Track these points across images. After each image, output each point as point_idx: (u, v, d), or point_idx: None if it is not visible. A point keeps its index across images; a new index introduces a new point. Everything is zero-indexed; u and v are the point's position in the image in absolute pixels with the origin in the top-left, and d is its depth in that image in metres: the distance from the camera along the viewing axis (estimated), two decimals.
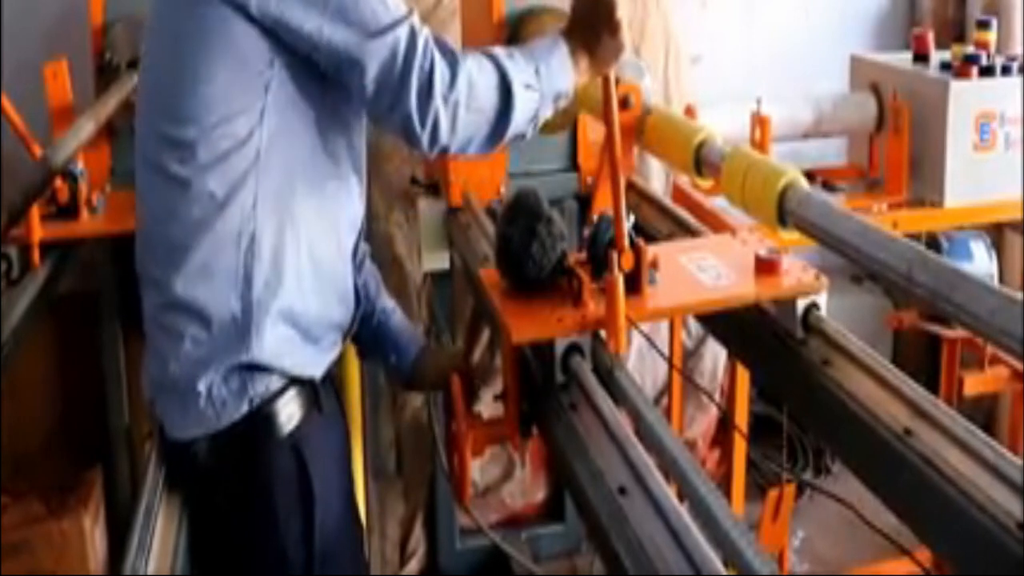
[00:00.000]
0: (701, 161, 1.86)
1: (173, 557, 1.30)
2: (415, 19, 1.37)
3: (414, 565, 3.06)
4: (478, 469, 3.07)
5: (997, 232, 3.01)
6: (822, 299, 1.48)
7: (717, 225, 2.12)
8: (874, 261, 1.35)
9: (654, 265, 1.47)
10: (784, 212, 1.54)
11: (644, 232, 1.85)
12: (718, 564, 0.98)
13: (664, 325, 2.86)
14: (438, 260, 2.48)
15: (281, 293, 1.40)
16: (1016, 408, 3.02)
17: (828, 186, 2.78)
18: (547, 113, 1.45)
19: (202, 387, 1.38)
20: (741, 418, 2.51)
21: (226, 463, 1.41)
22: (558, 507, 3.17)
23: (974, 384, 2.87)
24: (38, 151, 2.28)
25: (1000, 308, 1.12)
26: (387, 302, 1.74)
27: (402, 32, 1.34)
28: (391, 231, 2.91)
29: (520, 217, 1.50)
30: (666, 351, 2.78)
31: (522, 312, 1.45)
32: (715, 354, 3.30)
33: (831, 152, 3.07)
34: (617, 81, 1.52)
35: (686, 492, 1.11)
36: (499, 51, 1.42)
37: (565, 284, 1.48)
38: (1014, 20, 3.32)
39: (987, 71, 2.60)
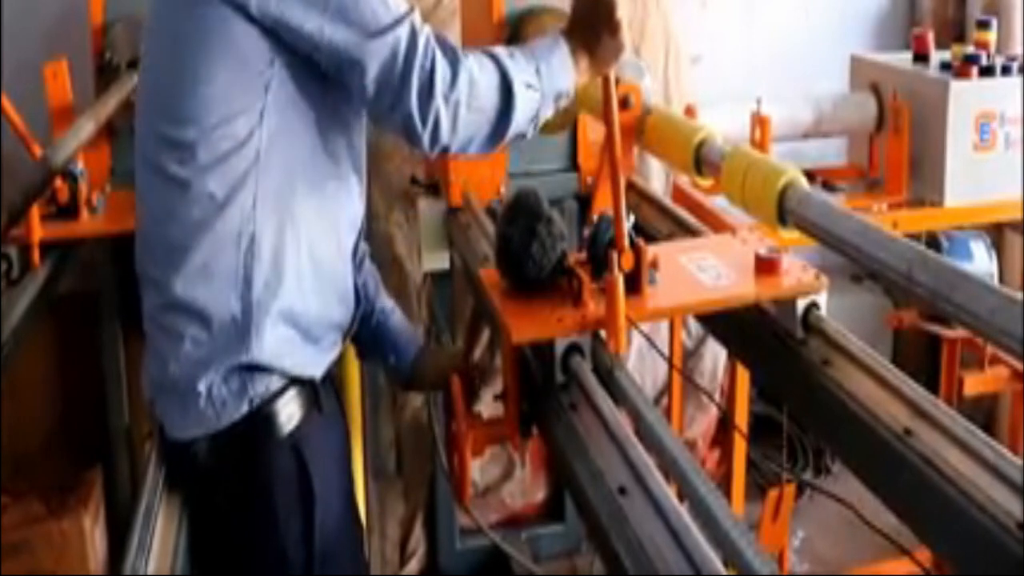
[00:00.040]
0: (701, 161, 1.85)
1: (173, 557, 1.30)
2: (416, 18, 1.36)
3: (414, 565, 3.06)
4: (478, 469, 3.07)
5: (997, 232, 3.01)
6: (822, 299, 1.48)
7: (717, 225, 2.12)
8: (874, 260, 1.35)
9: (654, 265, 1.47)
10: (784, 211, 1.54)
11: (644, 232, 1.85)
12: (718, 564, 0.98)
13: (664, 325, 2.86)
14: (438, 260, 2.48)
15: (281, 293, 1.40)
16: (1016, 408, 3.02)
17: (828, 186, 2.78)
18: (548, 113, 1.45)
19: (202, 387, 1.38)
20: (741, 418, 2.51)
21: (226, 463, 1.41)
22: (558, 507, 3.17)
23: (974, 384, 2.87)
24: (38, 151, 2.28)
25: (1000, 308, 1.12)
26: (386, 302, 1.74)
27: (403, 31, 1.33)
28: (391, 231, 2.91)
29: (520, 217, 1.50)
30: (666, 351, 2.78)
31: (522, 312, 1.45)
32: (715, 354, 3.30)
33: (831, 152, 3.07)
34: (617, 81, 1.52)
35: (686, 492, 1.11)
36: (500, 50, 1.42)
37: (565, 284, 1.48)
38: (1014, 20, 3.32)
39: (987, 71, 2.60)
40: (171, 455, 1.44)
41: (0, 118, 2.33)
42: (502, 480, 3.15)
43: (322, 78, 1.38)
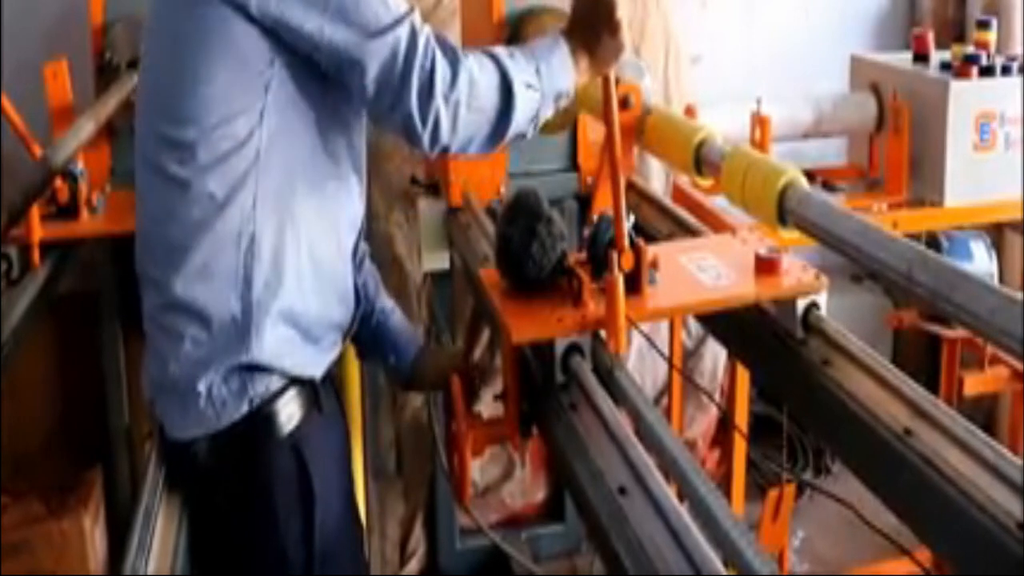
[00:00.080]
0: (701, 160, 1.85)
1: (173, 557, 1.30)
2: (416, 17, 1.36)
3: (414, 565, 3.06)
4: (478, 469, 3.07)
5: (997, 232, 3.01)
6: (822, 299, 1.48)
7: (717, 225, 2.12)
8: (874, 260, 1.35)
9: (654, 265, 1.47)
10: (784, 211, 1.54)
11: (644, 232, 1.85)
12: (718, 564, 0.98)
13: (664, 325, 2.86)
14: (438, 260, 2.48)
15: (281, 293, 1.40)
16: (1016, 408, 3.02)
17: (828, 186, 2.78)
18: (548, 113, 1.45)
19: (202, 387, 1.38)
20: (741, 418, 2.51)
21: (226, 463, 1.41)
22: (558, 507, 3.17)
23: (974, 384, 2.87)
24: (38, 151, 2.28)
25: (1000, 308, 1.12)
26: (386, 302, 1.74)
27: (403, 31, 1.33)
28: (391, 231, 2.91)
29: (520, 217, 1.50)
30: (666, 351, 2.78)
31: (522, 312, 1.45)
32: (715, 354, 3.30)
33: (831, 152, 3.07)
34: (617, 81, 1.52)
35: (686, 492, 1.11)
36: (500, 50, 1.42)
37: (565, 284, 1.48)
38: (1014, 20, 3.32)
39: (987, 71, 2.60)
40: (171, 455, 1.44)
41: (0, 118, 2.33)
42: (502, 480, 3.15)
43: (322, 78, 1.37)
